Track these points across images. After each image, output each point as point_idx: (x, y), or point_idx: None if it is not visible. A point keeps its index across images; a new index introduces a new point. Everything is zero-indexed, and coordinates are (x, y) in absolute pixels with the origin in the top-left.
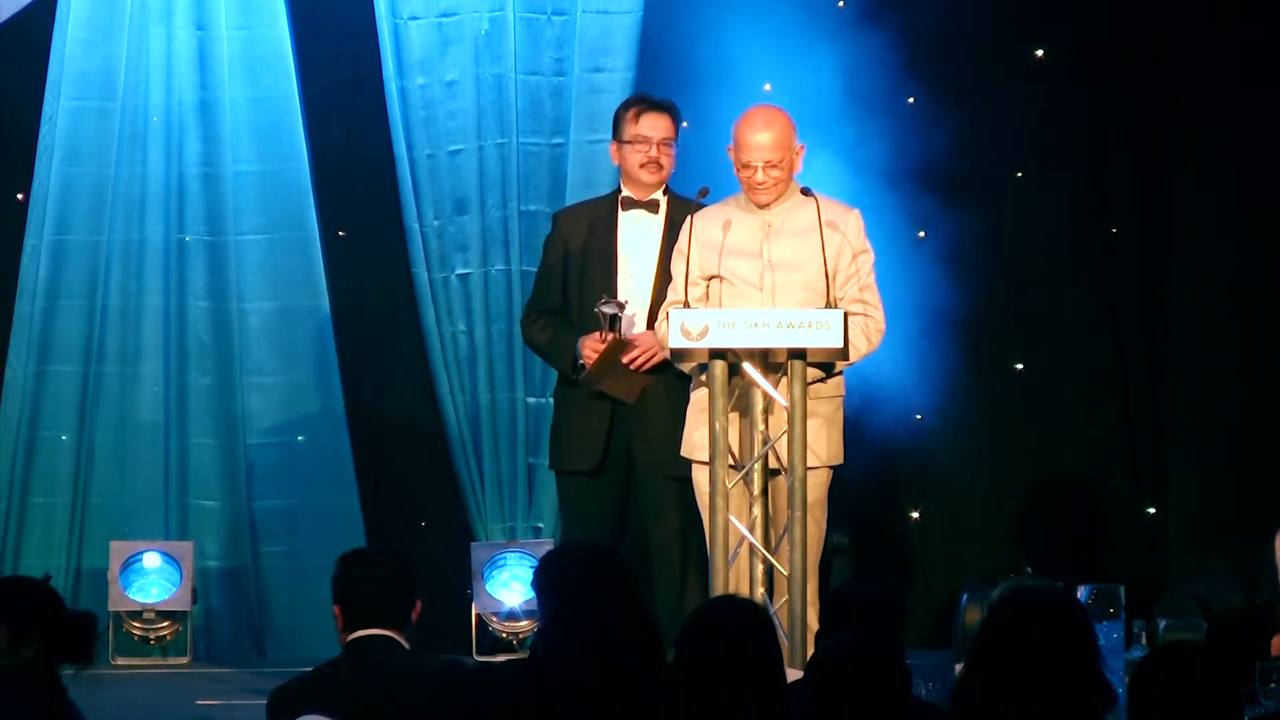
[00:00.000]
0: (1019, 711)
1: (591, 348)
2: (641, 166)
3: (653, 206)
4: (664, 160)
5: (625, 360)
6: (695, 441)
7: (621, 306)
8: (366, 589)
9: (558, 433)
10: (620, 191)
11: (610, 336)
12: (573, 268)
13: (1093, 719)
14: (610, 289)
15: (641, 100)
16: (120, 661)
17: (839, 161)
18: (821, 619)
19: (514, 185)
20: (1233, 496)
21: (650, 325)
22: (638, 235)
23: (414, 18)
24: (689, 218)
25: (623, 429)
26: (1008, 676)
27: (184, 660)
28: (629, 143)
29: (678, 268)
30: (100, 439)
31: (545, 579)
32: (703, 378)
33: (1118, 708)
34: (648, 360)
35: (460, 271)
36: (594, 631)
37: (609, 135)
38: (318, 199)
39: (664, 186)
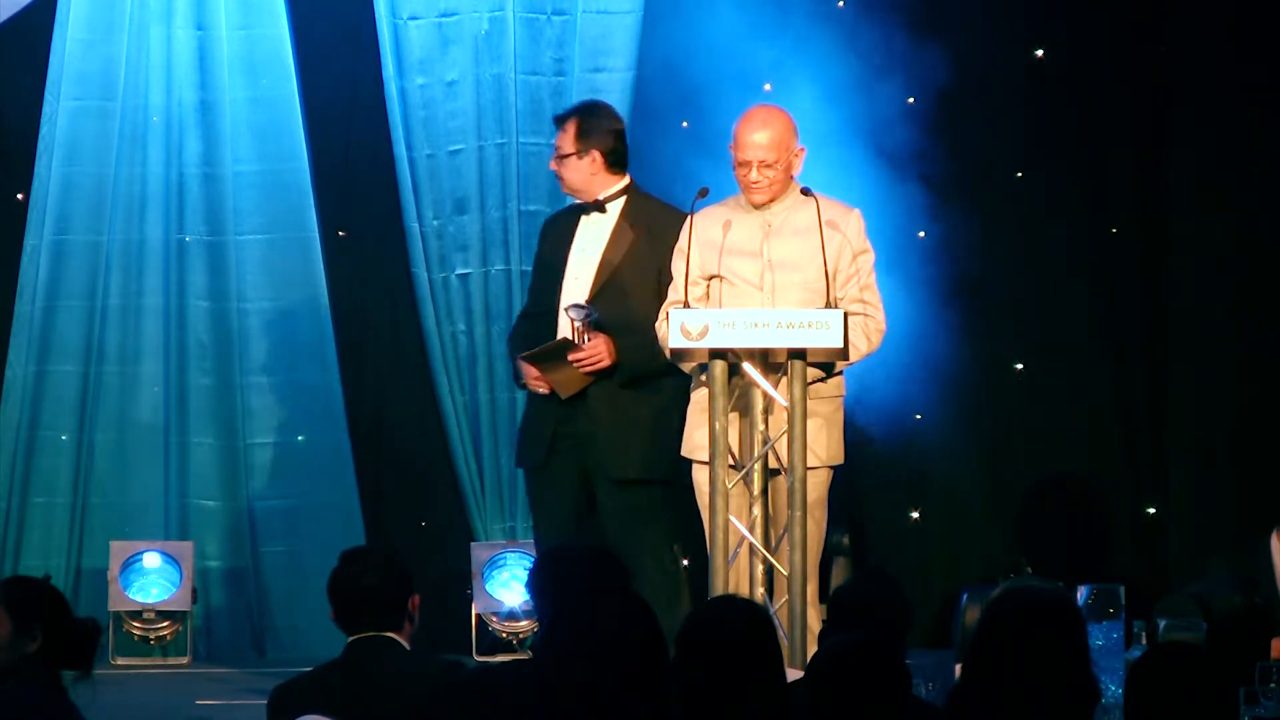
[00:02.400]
0: (1014, 711)
1: (528, 373)
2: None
3: (600, 208)
4: (559, 169)
5: (571, 359)
6: (695, 441)
7: (586, 311)
8: (355, 596)
9: (520, 429)
10: None
11: (566, 338)
12: (542, 272)
13: (1080, 717)
14: (556, 292)
15: None
16: (120, 661)
17: (838, 162)
18: (828, 618)
19: (514, 185)
20: (1233, 496)
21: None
22: (587, 238)
23: (414, 18)
24: (689, 217)
25: (567, 430)
26: (1002, 676)
27: (184, 660)
28: None
29: (678, 267)
30: (100, 439)
31: (540, 580)
32: (703, 378)
33: (1114, 708)
34: (592, 365)
35: (460, 271)
36: (595, 632)
37: None
38: (318, 199)
39: (621, 187)
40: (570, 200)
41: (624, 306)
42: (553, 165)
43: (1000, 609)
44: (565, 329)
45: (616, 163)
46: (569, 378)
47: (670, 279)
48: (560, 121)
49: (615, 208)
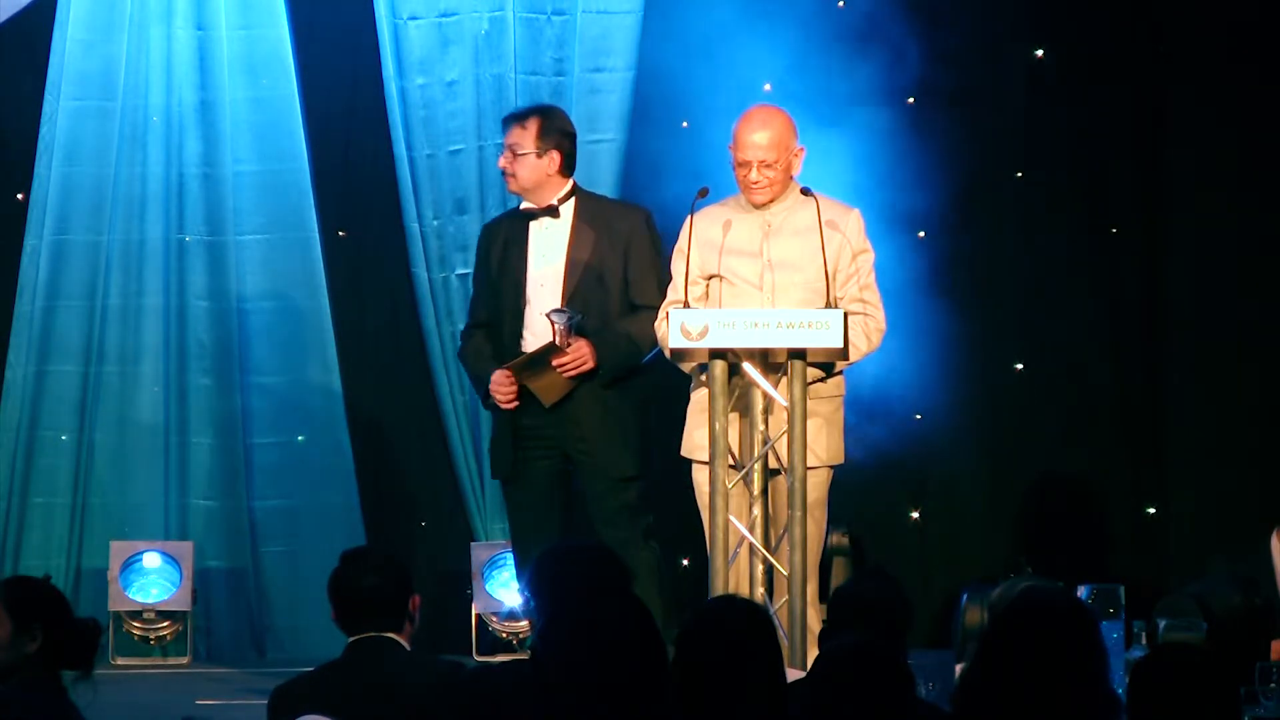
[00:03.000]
0: (1023, 714)
1: (498, 388)
2: (504, 177)
3: (553, 212)
4: (511, 168)
5: (555, 364)
6: (695, 441)
7: (568, 315)
8: (355, 596)
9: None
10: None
11: (551, 343)
12: (492, 281)
13: None
14: (520, 301)
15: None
16: (120, 661)
17: (838, 162)
18: (829, 617)
19: None
20: (1233, 496)
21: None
22: (544, 244)
23: (414, 18)
24: (689, 217)
25: (540, 437)
26: (1013, 680)
27: (184, 660)
28: None
29: (678, 267)
30: (100, 439)
31: (541, 579)
32: (703, 378)
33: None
34: (576, 369)
35: (460, 271)
36: (594, 631)
37: (609, 135)
38: (318, 199)
39: (570, 189)
40: (512, 202)
41: (596, 308)
42: (504, 163)
43: (1014, 609)
44: (534, 337)
45: (569, 167)
46: (552, 384)
47: (631, 275)
48: (519, 119)
49: (568, 211)
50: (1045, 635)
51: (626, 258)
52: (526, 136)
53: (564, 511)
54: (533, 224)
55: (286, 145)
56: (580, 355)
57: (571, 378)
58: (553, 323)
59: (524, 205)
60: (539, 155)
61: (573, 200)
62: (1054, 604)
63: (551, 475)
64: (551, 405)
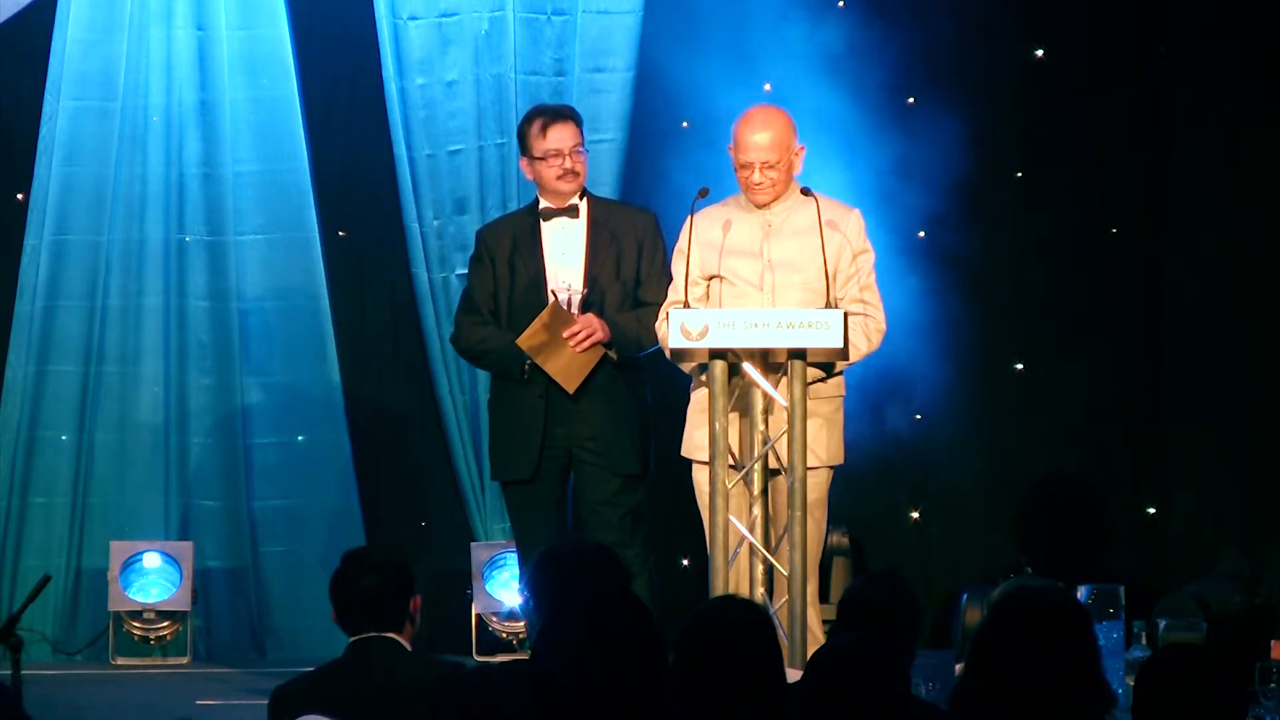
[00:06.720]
0: (1019, 712)
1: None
2: (559, 179)
3: (572, 212)
4: (579, 168)
5: (565, 335)
6: (695, 441)
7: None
8: (356, 596)
9: (493, 442)
10: (539, 204)
11: (555, 303)
12: (501, 284)
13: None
14: (543, 298)
15: (544, 112)
16: (120, 661)
17: (839, 162)
18: (838, 619)
19: (514, 185)
20: (1233, 496)
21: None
22: (562, 242)
23: (414, 18)
24: (689, 217)
25: (557, 433)
26: (1007, 677)
27: (184, 660)
28: (541, 158)
29: (678, 268)
30: (100, 439)
31: (541, 579)
32: (703, 378)
33: (1119, 708)
34: (588, 338)
35: (460, 271)
36: (594, 631)
37: (609, 135)
38: (318, 199)
39: (581, 190)
40: (513, 203)
41: (613, 306)
42: (576, 163)
43: (1006, 607)
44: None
45: None
46: (570, 365)
47: (643, 276)
48: (571, 118)
49: (583, 210)
50: (1034, 631)
51: (639, 259)
52: (579, 134)
53: (566, 512)
54: (545, 224)
55: (286, 145)
56: (590, 324)
57: (586, 357)
58: (554, 294)
59: (543, 205)
60: (584, 152)
61: (585, 200)
62: (1042, 600)
63: (556, 476)
64: (575, 391)
